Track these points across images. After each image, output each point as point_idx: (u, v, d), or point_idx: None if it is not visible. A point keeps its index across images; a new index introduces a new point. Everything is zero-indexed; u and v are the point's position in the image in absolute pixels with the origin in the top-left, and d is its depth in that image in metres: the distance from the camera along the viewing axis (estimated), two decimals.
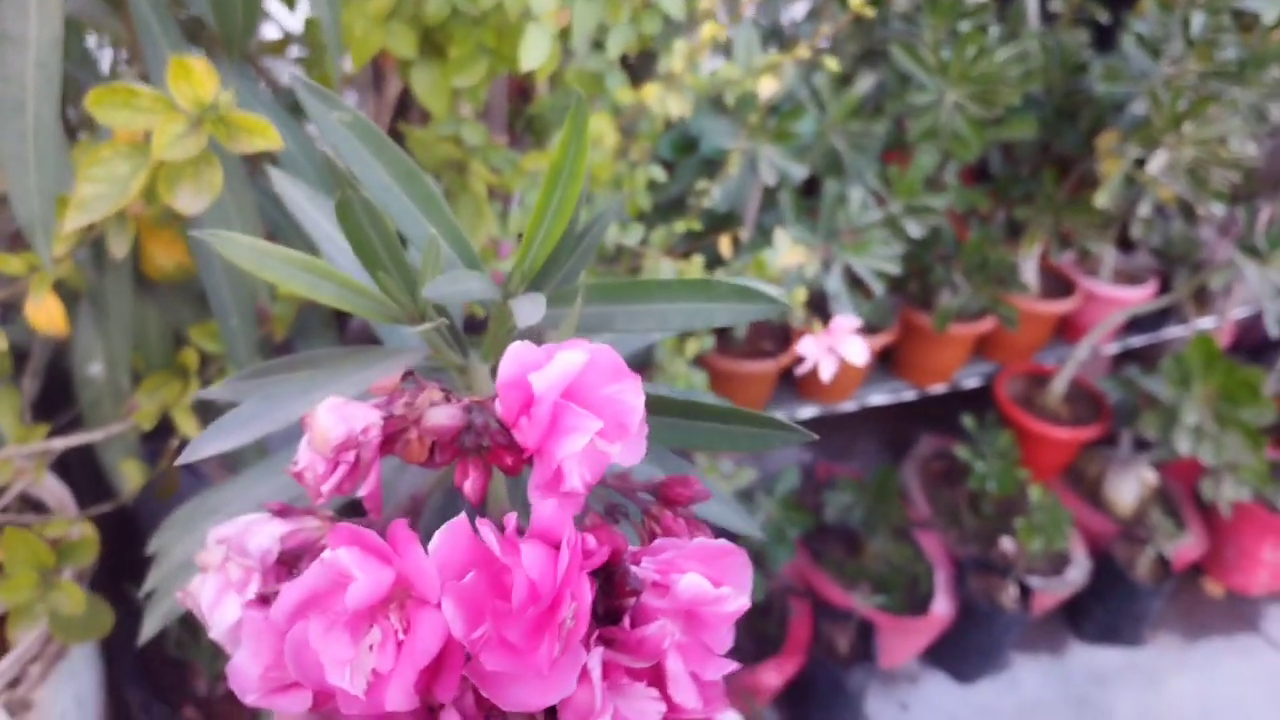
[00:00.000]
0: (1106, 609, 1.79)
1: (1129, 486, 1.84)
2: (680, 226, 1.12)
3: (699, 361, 1.44)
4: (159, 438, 0.98)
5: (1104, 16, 1.66)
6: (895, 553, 1.67)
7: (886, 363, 1.81)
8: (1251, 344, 2.21)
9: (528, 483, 0.36)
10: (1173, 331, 2.03)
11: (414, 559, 0.33)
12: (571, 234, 0.48)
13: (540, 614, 0.33)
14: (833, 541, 1.74)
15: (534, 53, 0.88)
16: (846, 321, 0.99)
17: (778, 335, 1.61)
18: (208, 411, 0.94)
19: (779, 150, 1.30)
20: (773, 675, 1.47)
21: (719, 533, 0.42)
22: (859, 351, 0.98)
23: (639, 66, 1.35)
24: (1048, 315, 1.84)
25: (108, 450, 0.96)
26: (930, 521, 1.78)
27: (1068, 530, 1.66)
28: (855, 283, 1.49)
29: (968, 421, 1.77)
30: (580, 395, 0.36)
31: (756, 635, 1.54)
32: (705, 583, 0.35)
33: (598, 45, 1.02)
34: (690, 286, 0.48)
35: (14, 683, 0.91)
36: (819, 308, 1.48)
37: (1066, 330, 1.97)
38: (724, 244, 1.14)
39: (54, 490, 1.03)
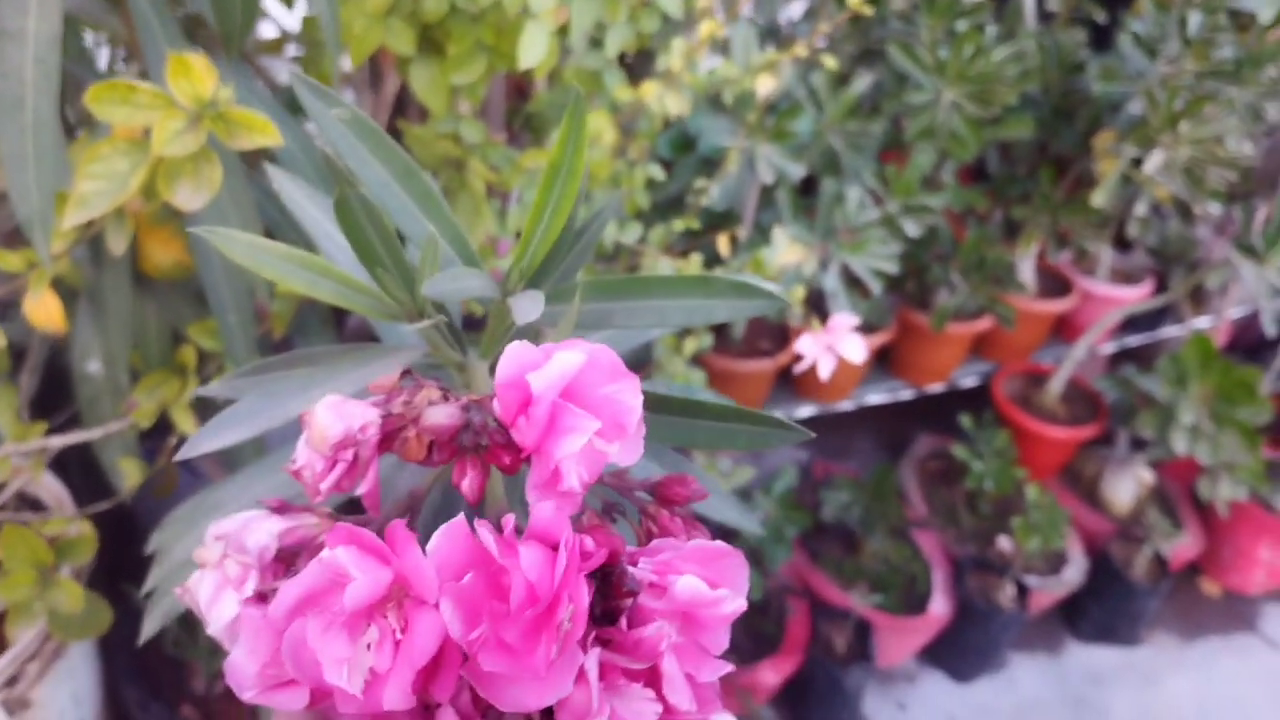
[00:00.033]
0: (1103, 608, 1.79)
1: (1126, 486, 1.85)
2: (678, 225, 1.13)
3: (697, 360, 1.44)
4: (157, 436, 0.98)
5: (1101, 16, 1.66)
6: (893, 552, 1.68)
7: (884, 362, 1.81)
8: (1248, 343, 2.21)
9: (525, 482, 0.36)
10: (1169, 331, 2.04)
11: (412, 559, 0.33)
12: (570, 231, 0.48)
13: (538, 615, 0.33)
14: (830, 541, 1.74)
15: (532, 50, 0.88)
16: (845, 319, 0.99)
17: (775, 335, 1.61)
18: (206, 409, 0.94)
19: (777, 149, 1.30)
20: (770, 674, 1.47)
21: (717, 530, 0.43)
22: (857, 349, 0.98)
23: (637, 65, 1.35)
24: (1045, 314, 1.84)
25: (106, 448, 0.96)
26: (928, 521, 1.78)
27: (1065, 529, 1.66)
28: (853, 282, 1.49)
29: (965, 421, 1.77)
30: (578, 395, 0.36)
31: (754, 634, 1.55)
32: (702, 585, 0.35)
33: (596, 43, 1.02)
34: (689, 283, 0.48)
35: (12, 681, 0.91)
36: (817, 307, 1.48)
37: (1063, 330, 1.97)
38: (722, 242, 1.14)
39: (51, 488, 1.03)
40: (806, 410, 1.68)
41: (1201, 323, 1.94)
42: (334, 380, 0.45)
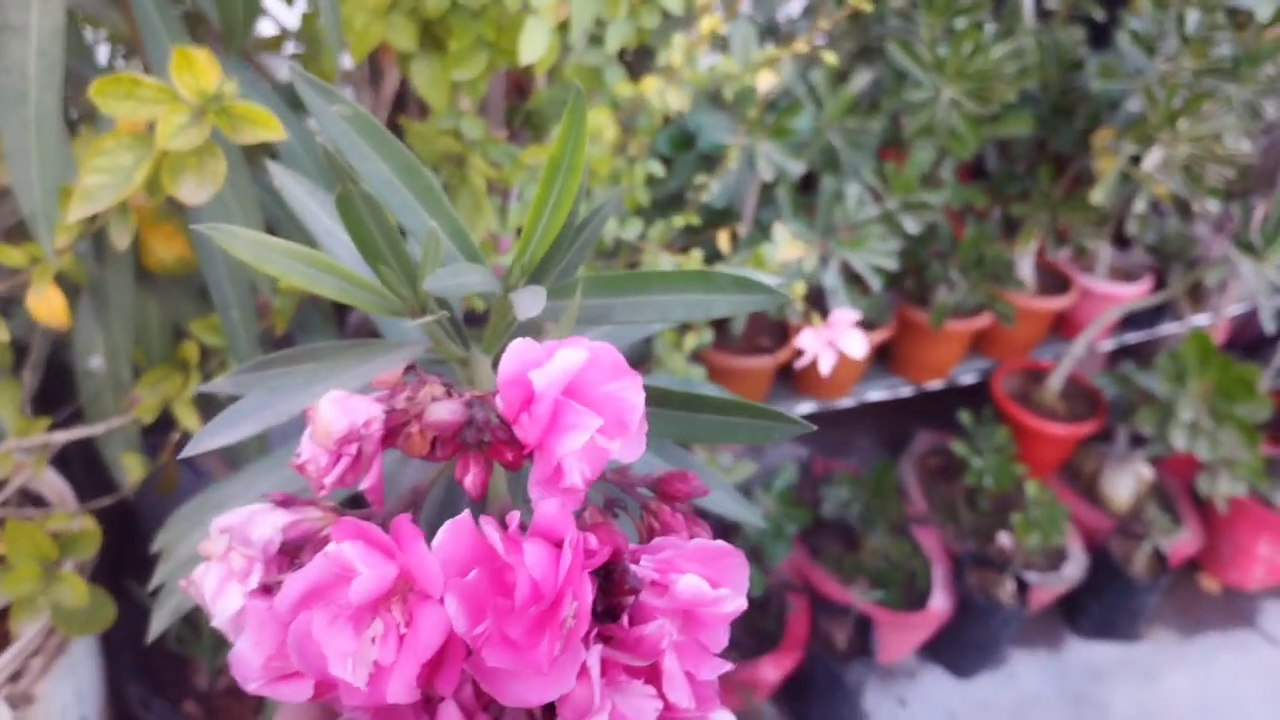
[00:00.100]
0: (1103, 604, 1.79)
1: (1125, 482, 1.85)
2: (679, 221, 1.13)
3: (697, 357, 1.44)
4: (159, 431, 0.98)
5: (1099, 13, 1.66)
6: (893, 548, 1.68)
7: (884, 359, 1.81)
8: (1247, 340, 2.22)
9: (528, 478, 0.36)
10: (1168, 328, 2.04)
11: (418, 554, 0.33)
12: (571, 227, 0.49)
13: (542, 612, 0.33)
14: (830, 537, 1.75)
15: (533, 46, 0.88)
16: (846, 315, 1.00)
17: (775, 332, 1.62)
18: (208, 405, 0.94)
19: (776, 146, 1.30)
20: (771, 670, 1.48)
21: (718, 525, 0.43)
22: (858, 345, 0.98)
23: (637, 62, 1.35)
24: (1044, 312, 1.84)
25: (108, 444, 0.96)
26: (927, 517, 1.78)
27: (1064, 526, 1.66)
28: (853, 278, 1.50)
29: (964, 417, 1.77)
30: (581, 392, 0.36)
31: (755, 631, 1.55)
32: (704, 584, 0.35)
33: (596, 39, 1.02)
34: (689, 278, 0.48)
35: (15, 676, 0.92)
36: (816, 303, 1.49)
37: (1063, 327, 1.98)
38: (722, 239, 1.14)
39: (54, 485, 1.04)
40: (806, 407, 1.69)
41: (1200, 320, 1.94)
42: (337, 376, 0.45)
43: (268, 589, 0.34)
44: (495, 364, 0.46)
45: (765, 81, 1.08)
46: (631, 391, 0.37)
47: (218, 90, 0.66)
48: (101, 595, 0.92)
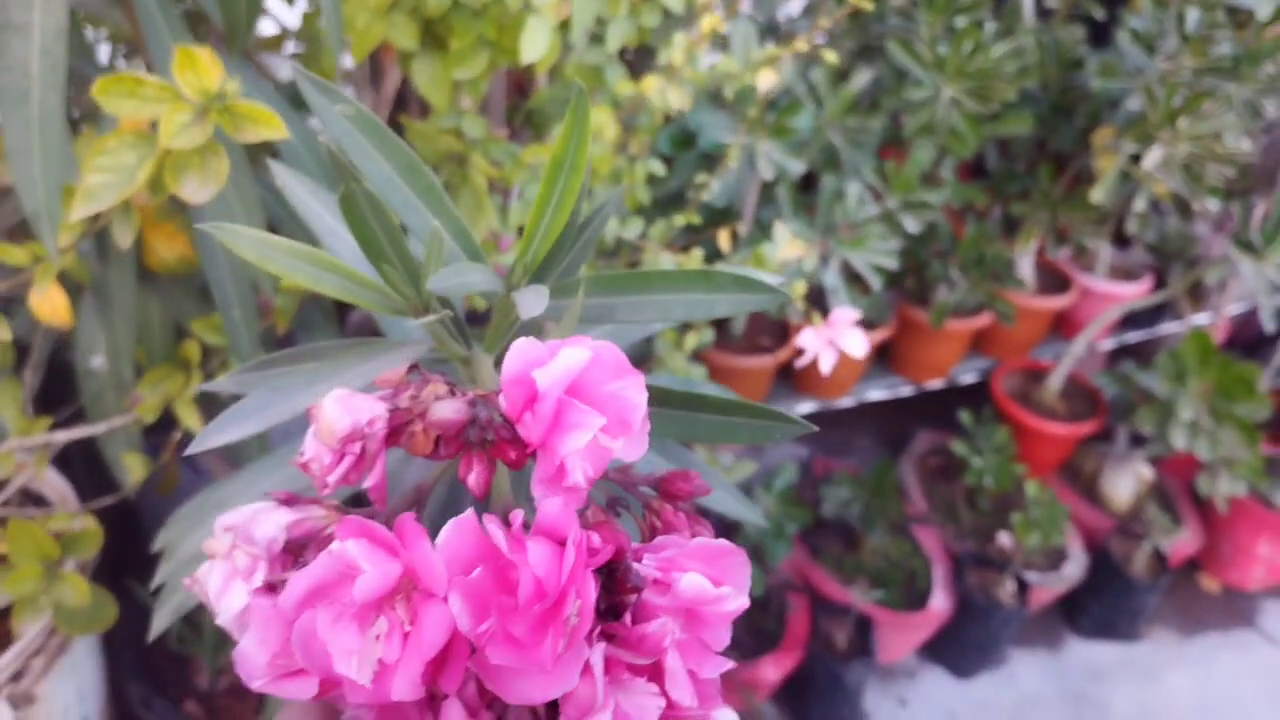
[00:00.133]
0: (1103, 604, 1.80)
1: (1125, 482, 1.85)
2: (679, 220, 1.13)
3: (698, 356, 1.44)
4: (160, 431, 0.98)
5: (1099, 12, 1.66)
6: (893, 548, 1.68)
7: (884, 358, 1.81)
8: (1247, 339, 2.22)
9: (531, 476, 0.36)
10: (1168, 327, 2.04)
11: (422, 553, 0.33)
12: (573, 226, 0.49)
13: (545, 610, 0.33)
14: (830, 537, 1.75)
15: (534, 45, 0.88)
16: (846, 314, 1.00)
17: (775, 331, 1.62)
18: (209, 405, 0.94)
19: (777, 145, 1.30)
20: (771, 670, 1.48)
21: (719, 524, 0.43)
22: (859, 344, 0.98)
23: (637, 61, 1.35)
24: (1044, 311, 1.84)
25: (110, 443, 0.96)
26: (927, 517, 1.79)
27: (1064, 525, 1.66)
28: (853, 278, 1.50)
29: (964, 417, 1.78)
30: (584, 392, 0.36)
31: (755, 630, 1.55)
32: (706, 582, 0.35)
33: (597, 38, 1.02)
34: (691, 277, 0.48)
35: (17, 676, 0.92)
36: (817, 303, 1.49)
37: (1063, 326, 1.98)
38: (723, 238, 1.14)
39: (55, 485, 1.04)
40: (807, 407, 1.69)
41: (1200, 319, 1.94)
42: (340, 375, 0.45)
43: (272, 587, 0.35)
44: (497, 363, 0.46)
45: (766, 80, 1.08)
46: (634, 390, 0.37)
47: (220, 89, 0.66)
48: (103, 595, 0.92)
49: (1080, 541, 1.79)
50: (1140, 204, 1.55)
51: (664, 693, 0.35)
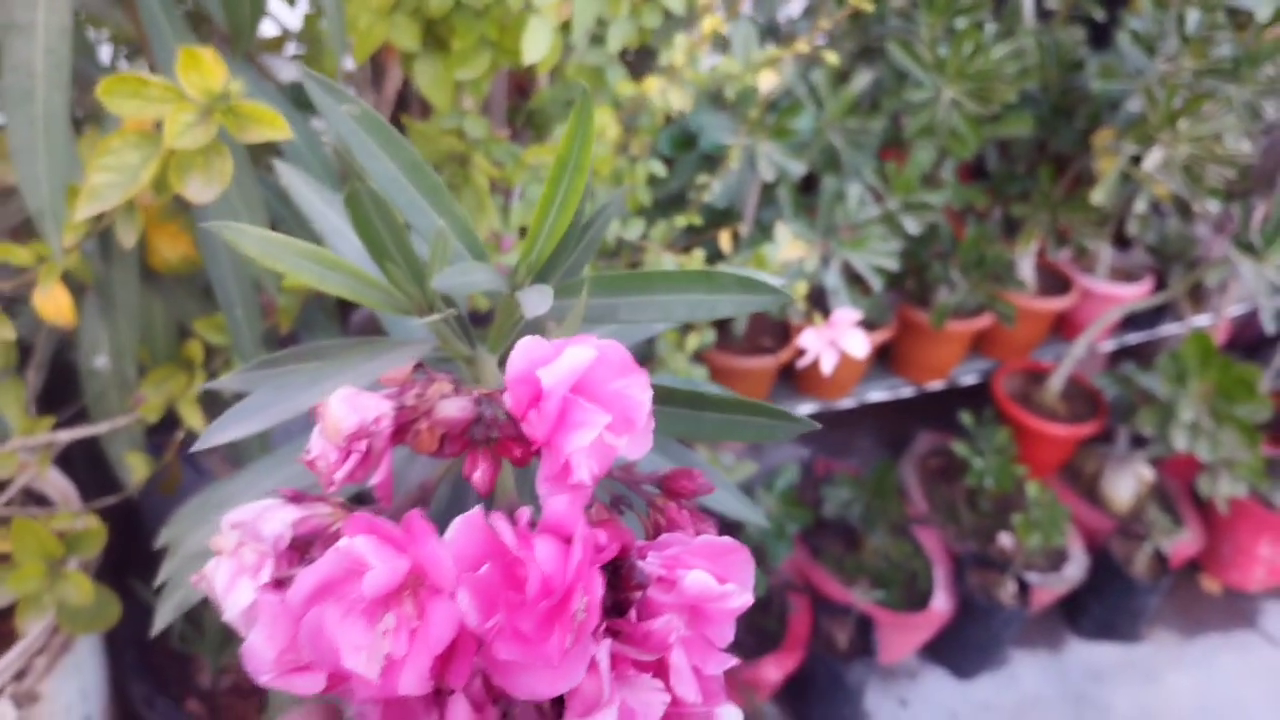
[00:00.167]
0: (1104, 605, 1.80)
1: (1126, 483, 1.85)
2: (680, 221, 1.13)
3: (699, 357, 1.44)
4: (163, 431, 0.98)
5: (1099, 14, 1.66)
6: (894, 549, 1.68)
7: (884, 360, 1.81)
8: (1247, 341, 2.22)
9: (536, 474, 0.37)
10: (1169, 328, 2.04)
11: (430, 549, 0.33)
12: (577, 226, 0.49)
13: (552, 606, 0.33)
14: (831, 537, 1.75)
15: (536, 46, 0.89)
16: (848, 314, 1.00)
17: (776, 332, 1.62)
18: (212, 404, 0.94)
19: (777, 146, 1.31)
20: (773, 670, 1.48)
21: (721, 525, 0.43)
22: (860, 344, 0.99)
23: (638, 62, 1.35)
24: (1045, 312, 1.84)
25: (113, 443, 0.96)
26: (928, 518, 1.79)
27: (1065, 527, 1.66)
28: (854, 279, 1.50)
29: (965, 418, 1.78)
30: (588, 390, 0.36)
31: (756, 630, 1.55)
32: (710, 579, 0.35)
33: (598, 39, 1.02)
34: (693, 277, 0.49)
35: (20, 674, 0.92)
36: (818, 304, 1.49)
37: (1063, 327, 1.98)
38: (724, 239, 1.14)
39: (58, 484, 1.04)
40: (808, 407, 1.69)
41: (1201, 320, 1.94)
42: (344, 374, 0.45)
43: (279, 583, 0.35)
44: (501, 362, 0.46)
45: (766, 81, 1.09)
46: (638, 389, 0.37)
47: (224, 89, 0.66)
48: (106, 594, 0.93)
49: (1081, 542, 1.79)
50: (1141, 205, 1.55)
51: (669, 689, 0.35)
